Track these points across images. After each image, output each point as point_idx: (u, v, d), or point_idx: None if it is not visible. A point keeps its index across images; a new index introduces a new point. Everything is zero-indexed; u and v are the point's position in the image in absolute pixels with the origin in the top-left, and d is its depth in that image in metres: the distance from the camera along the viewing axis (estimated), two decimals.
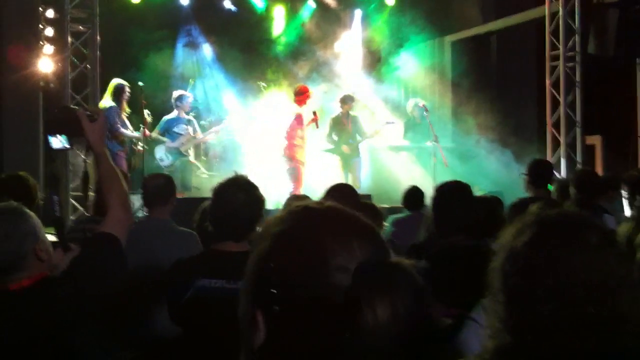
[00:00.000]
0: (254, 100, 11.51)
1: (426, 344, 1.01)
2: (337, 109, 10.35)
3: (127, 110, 9.19)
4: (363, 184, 10.21)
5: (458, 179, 3.67)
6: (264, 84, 11.73)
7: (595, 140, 11.17)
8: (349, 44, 13.06)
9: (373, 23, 12.84)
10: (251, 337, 1.04)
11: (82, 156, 8.15)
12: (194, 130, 9.92)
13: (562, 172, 10.19)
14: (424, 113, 10.31)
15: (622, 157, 10.39)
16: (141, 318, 3.62)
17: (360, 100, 11.34)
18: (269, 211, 3.97)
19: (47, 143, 2.73)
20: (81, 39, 9.37)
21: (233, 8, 12.40)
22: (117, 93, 8.99)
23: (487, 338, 1.39)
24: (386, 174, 10.74)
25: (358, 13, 13.16)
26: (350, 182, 8.99)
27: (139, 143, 9.17)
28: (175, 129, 9.71)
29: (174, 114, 9.80)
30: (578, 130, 10.56)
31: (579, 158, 10.53)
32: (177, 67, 12.24)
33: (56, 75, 9.46)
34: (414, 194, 6.26)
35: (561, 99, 10.52)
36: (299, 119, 9.65)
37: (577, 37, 10.40)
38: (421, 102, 10.68)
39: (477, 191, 4.12)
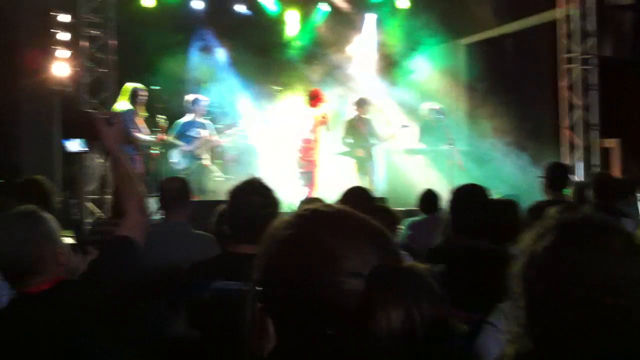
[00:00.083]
0: (268, 104, 11.53)
1: (442, 349, 0.98)
2: (351, 112, 10.34)
3: (144, 113, 9.21)
4: (378, 187, 10.19)
5: (474, 182, 3.65)
6: (277, 87, 11.75)
7: (612, 143, 11.09)
8: (363, 48, 13.06)
9: (387, 26, 12.82)
10: (259, 343, 1.02)
11: (100, 160, 8.22)
12: (209, 134, 9.94)
13: (579, 176, 10.12)
14: (439, 116, 10.27)
15: (639, 160, 10.30)
16: (158, 321, 3.63)
17: (374, 103, 11.32)
18: (284, 214, 3.96)
19: (63, 147, 2.75)
20: (97, 44, 9.43)
21: (247, 12, 12.44)
22: (133, 96, 9.02)
23: (507, 343, 1.37)
24: (402, 177, 10.71)
25: (372, 16, 13.15)
26: (365, 185, 8.98)
27: (155, 147, 9.20)
28: (190, 133, 9.73)
29: (188, 117, 9.82)
30: (595, 134, 10.49)
31: (595, 161, 10.45)
32: (191, 71, 12.28)
33: (72, 80, 9.52)
34: (429, 197, 6.25)
35: (577, 102, 10.45)
36: (312, 122, 9.67)
37: (592, 40, 10.33)
38: (436, 106, 10.65)
39: (494, 194, 4.09)
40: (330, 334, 0.96)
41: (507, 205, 3.79)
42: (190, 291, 2.91)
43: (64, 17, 9.74)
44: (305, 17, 12.81)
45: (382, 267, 0.99)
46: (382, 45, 13.00)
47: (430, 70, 12.72)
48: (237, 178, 8.25)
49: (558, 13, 10.77)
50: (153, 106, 9.18)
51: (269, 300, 1.02)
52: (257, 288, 1.05)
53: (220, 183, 10.40)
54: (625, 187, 5.63)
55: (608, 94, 10.55)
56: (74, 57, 9.51)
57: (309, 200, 4.96)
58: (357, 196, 3.75)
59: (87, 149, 2.43)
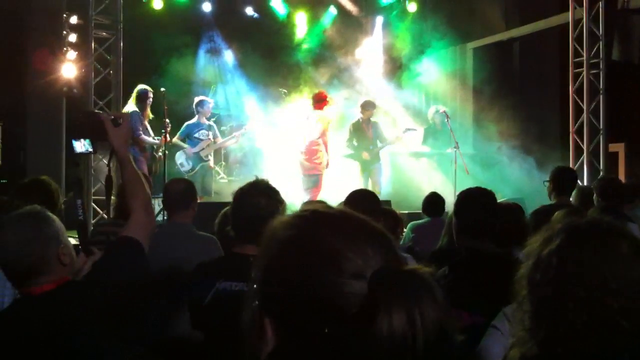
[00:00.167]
0: (275, 106, 11.55)
1: (445, 352, 0.97)
2: (357, 115, 10.35)
3: (150, 115, 9.24)
4: (383, 190, 10.18)
5: (478, 185, 3.64)
6: (285, 90, 11.77)
7: (619, 147, 11.06)
8: (370, 51, 13.07)
9: (394, 29, 12.83)
10: (258, 345, 1.02)
11: (105, 160, 8.23)
12: (215, 136, 9.96)
13: (585, 180, 10.10)
14: (445, 119, 10.27)
15: None
16: (162, 322, 3.63)
17: (381, 106, 11.32)
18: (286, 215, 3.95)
19: (70, 147, 2.75)
20: (105, 45, 9.47)
21: (255, 14, 12.48)
22: (141, 98, 9.04)
23: (512, 347, 1.36)
24: (406, 180, 10.70)
25: (379, 19, 13.16)
26: (370, 188, 8.98)
27: (160, 149, 9.22)
28: (196, 135, 9.75)
29: (194, 119, 9.84)
30: (601, 138, 10.46)
31: (601, 165, 10.42)
32: (199, 73, 12.32)
33: (80, 81, 9.55)
34: (434, 201, 6.24)
35: (584, 106, 10.43)
36: (317, 124, 9.69)
37: (601, 44, 10.31)
38: (442, 109, 10.64)
39: (499, 198, 4.09)
40: (329, 334, 0.96)
41: (512, 209, 3.79)
42: (195, 292, 2.91)
43: (73, 19, 9.78)
44: (313, 19, 12.83)
45: (385, 269, 0.98)
46: (389, 48, 13.01)
47: (437, 73, 12.73)
48: (241, 180, 8.29)
49: (567, 17, 10.73)
50: (160, 108, 9.20)
51: (269, 301, 1.01)
52: (256, 288, 1.04)
53: (224, 185, 10.44)
54: (631, 191, 5.61)
55: (614, 98, 10.52)
56: (82, 58, 9.55)
57: (311, 203, 4.95)
58: (362, 198, 3.74)
59: (92, 150, 2.44)
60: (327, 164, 9.89)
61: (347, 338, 0.95)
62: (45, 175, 4.16)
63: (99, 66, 9.47)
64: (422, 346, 0.93)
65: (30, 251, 2.27)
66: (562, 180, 5.40)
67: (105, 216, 8.20)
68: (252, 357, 1.04)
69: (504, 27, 12.69)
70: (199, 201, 4.75)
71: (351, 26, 12.89)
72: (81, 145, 2.70)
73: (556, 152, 10.53)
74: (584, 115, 10.44)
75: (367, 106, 10.27)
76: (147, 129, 9.17)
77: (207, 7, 11.96)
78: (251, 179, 3.10)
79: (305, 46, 12.74)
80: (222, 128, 10.85)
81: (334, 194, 8.52)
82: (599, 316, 1.25)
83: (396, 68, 12.98)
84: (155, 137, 9.21)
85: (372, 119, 10.35)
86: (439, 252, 4.33)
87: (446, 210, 6.24)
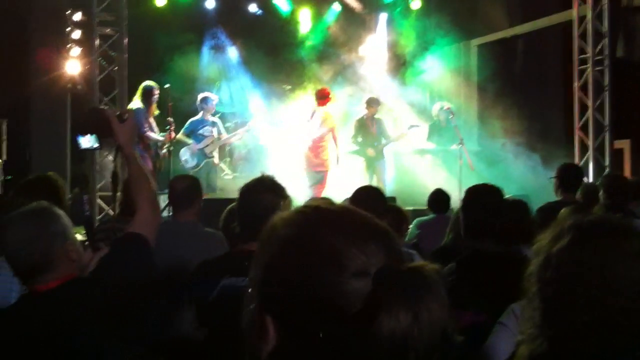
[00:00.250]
0: (278, 103, 11.55)
1: (445, 352, 0.96)
2: (362, 112, 10.34)
3: (156, 112, 9.24)
4: (388, 186, 10.17)
5: (486, 182, 3.63)
6: (288, 87, 11.76)
7: (624, 144, 11.03)
8: (374, 48, 13.05)
9: (398, 26, 12.80)
10: (258, 344, 1.00)
11: (110, 157, 8.24)
12: (219, 132, 9.96)
13: (590, 177, 10.08)
14: (450, 116, 10.25)
15: None
16: (162, 322, 3.62)
17: (385, 103, 11.31)
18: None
19: (75, 143, 2.74)
20: (109, 42, 9.47)
21: (258, 11, 12.46)
22: (146, 95, 9.04)
23: (520, 344, 1.36)
24: (411, 176, 10.69)
25: (383, 16, 13.14)
26: (374, 185, 8.97)
27: (164, 146, 9.22)
28: (200, 131, 9.75)
29: (199, 115, 9.84)
30: (606, 135, 10.44)
31: (606, 162, 10.40)
32: (203, 70, 12.31)
33: (84, 78, 9.55)
34: (439, 197, 6.23)
35: (589, 103, 10.41)
36: (320, 121, 9.70)
37: (606, 41, 10.28)
38: (447, 105, 10.62)
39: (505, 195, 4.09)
40: (330, 334, 0.94)
41: (517, 206, 3.78)
42: (200, 289, 2.91)
43: (77, 16, 9.78)
44: (317, 16, 12.81)
45: (388, 267, 0.96)
46: (393, 45, 12.99)
47: (441, 70, 12.70)
48: (245, 176, 8.30)
49: (571, 14, 10.70)
50: (164, 105, 9.21)
51: (269, 300, 0.99)
52: (256, 287, 1.03)
53: (228, 181, 10.44)
54: (637, 188, 5.59)
55: (619, 95, 10.49)
56: (86, 55, 9.55)
57: (315, 200, 4.94)
58: (368, 195, 3.73)
59: (98, 146, 2.43)
60: (338, 160, 9.91)
61: (348, 338, 0.93)
62: (51, 171, 4.16)
63: (103, 63, 9.47)
64: (425, 346, 0.92)
65: (34, 249, 2.27)
66: (568, 177, 5.40)
67: (111, 212, 8.20)
68: (252, 357, 1.02)
69: (507, 24, 12.66)
70: (203, 197, 4.74)
71: (355, 23, 12.87)
72: (87, 141, 2.70)
73: (561, 149, 10.50)
74: (589, 112, 10.42)
75: (372, 103, 10.27)
76: (152, 126, 9.16)
77: (210, 4, 11.95)
78: (255, 175, 3.09)
79: (309, 43, 12.71)
80: (227, 125, 10.84)
81: (338, 191, 8.52)
82: (610, 314, 1.24)
83: (400, 65, 12.96)
84: (160, 134, 9.22)
85: (376, 116, 10.34)
86: (443, 249, 4.33)
87: (451, 207, 6.24)
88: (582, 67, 10.54)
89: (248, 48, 12.25)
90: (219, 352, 2.76)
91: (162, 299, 3.34)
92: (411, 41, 12.55)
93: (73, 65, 9.58)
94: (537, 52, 12.57)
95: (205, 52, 12.58)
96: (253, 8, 12.40)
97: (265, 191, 2.89)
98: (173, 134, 9.22)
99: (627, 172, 10.56)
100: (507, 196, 3.32)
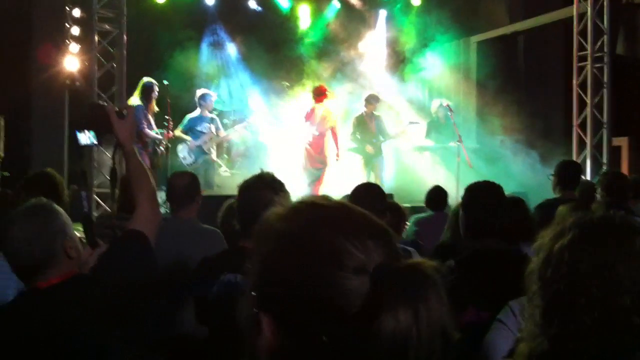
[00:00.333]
0: (278, 100, 11.54)
1: (446, 349, 0.94)
2: (361, 109, 10.34)
3: (156, 109, 9.23)
4: (386, 183, 10.17)
5: (485, 180, 3.62)
6: (288, 83, 11.75)
7: (622, 142, 11.04)
8: (374, 44, 13.04)
9: (398, 23, 12.80)
10: (255, 341, 0.99)
11: (108, 153, 8.23)
12: (217, 129, 9.95)
13: (588, 174, 10.08)
14: (448, 113, 10.25)
15: None
16: (162, 322, 3.62)
17: (384, 100, 11.30)
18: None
19: (74, 139, 2.73)
20: (108, 39, 9.45)
21: (258, 8, 12.45)
22: (146, 92, 9.02)
23: (520, 342, 1.35)
24: (410, 173, 10.69)
25: (383, 13, 13.13)
26: (373, 181, 8.96)
27: (162, 143, 9.21)
28: (198, 128, 9.74)
29: (197, 112, 9.83)
30: (605, 132, 10.44)
31: (605, 159, 10.41)
32: (202, 67, 12.30)
33: (83, 74, 9.53)
34: (437, 194, 6.22)
35: (588, 100, 10.41)
36: (321, 118, 9.71)
37: (605, 38, 10.27)
38: (445, 102, 10.62)
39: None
40: (330, 334, 0.92)
41: (516, 203, 3.78)
42: (200, 286, 2.90)
43: (76, 12, 9.77)
44: (317, 13, 12.80)
45: (386, 265, 0.94)
46: (393, 42, 12.98)
47: (441, 67, 12.70)
48: (244, 173, 8.29)
49: (571, 11, 10.69)
50: (163, 101, 9.19)
51: (267, 300, 0.98)
52: (253, 286, 1.01)
53: (227, 178, 10.43)
54: (635, 186, 5.59)
55: (618, 92, 10.50)
56: (85, 51, 9.53)
57: (313, 197, 4.92)
58: (368, 193, 3.72)
59: (96, 142, 2.42)
60: (338, 157, 9.91)
61: (348, 338, 0.92)
62: (50, 167, 4.15)
63: (102, 59, 9.46)
64: (426, 344, 0.91)
65: (36, 247, 2.26)
66: (567, 174, 5.39)
67: (109, 209, 8.19)
68: (252, 357, 1.01)
69: (507, 20, 12.65)
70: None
71: (354, 19, 12.85)
72: (86, 138, 2.69)
73: (560, 147, 10.51)
74: (588, 109, 10.42)
75: (371, 100, 10.26)
76: (150, 123, 9.15)
77: (210, 1, 11.94)
78: (254, 172, 3.08)
79: (308, 40, 12.70)
80: (225, 121, 10.83)
81: (337, 188, 8.52)
82: (612, 313, 1.24)
83: (400, 62, 12.96)
84: (158, 131, 9.20)
85: (375, 113, 10.33)
86: (441, 246, 4.32)
87: (449, 204, 6.23)
88: (581, 64, 10.54)
89: (247, 44, 12.24)
90: (219, 351, 2.76)
91: (162, 298, 3.34)
92: (411, 38, 12.55)
93: (71, 61, 9.56)
94: (537, 49, 12.57)
95: (205, 49, 12.56)
96: (253, 4, 12.39)
97: (265, 188, 2.88)
98: (171, 134, 9.21)
99: (624, 169, 10.56)
100: (505, 194, 3.31)
